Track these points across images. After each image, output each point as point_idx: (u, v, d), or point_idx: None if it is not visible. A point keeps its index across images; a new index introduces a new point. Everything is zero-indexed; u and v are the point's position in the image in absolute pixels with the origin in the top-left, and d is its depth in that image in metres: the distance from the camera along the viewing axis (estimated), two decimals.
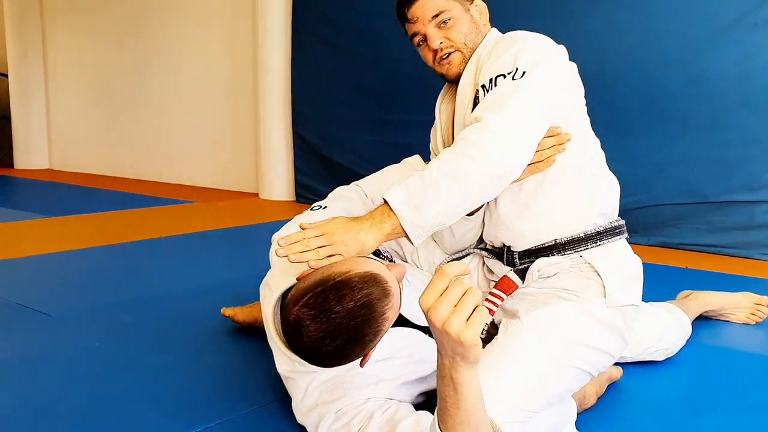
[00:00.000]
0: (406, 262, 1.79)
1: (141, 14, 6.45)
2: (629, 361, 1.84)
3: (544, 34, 1.59)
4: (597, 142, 1.61)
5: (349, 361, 1.19)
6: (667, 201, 3.36)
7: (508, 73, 1.43)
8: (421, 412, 1.32)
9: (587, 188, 1.55)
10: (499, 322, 1.51)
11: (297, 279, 1.25)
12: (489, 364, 1.36)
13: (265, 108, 5.21)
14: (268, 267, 1.54)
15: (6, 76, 7.60)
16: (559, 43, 1.57)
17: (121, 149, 6.90)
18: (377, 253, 1.63)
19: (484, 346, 1.48)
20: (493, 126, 1.34)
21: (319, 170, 5.00)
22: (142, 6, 6.42)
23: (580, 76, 1.58)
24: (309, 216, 1.63)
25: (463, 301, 0.95)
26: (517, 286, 1.53)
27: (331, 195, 1.79)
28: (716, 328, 2.20)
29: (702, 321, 2.19)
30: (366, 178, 1.90)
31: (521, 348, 1.38)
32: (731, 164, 3.21)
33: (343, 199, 1.74)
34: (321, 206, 1.67)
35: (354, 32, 4.62)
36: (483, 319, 0.95)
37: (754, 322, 2.24)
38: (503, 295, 1.52)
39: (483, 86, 1.46)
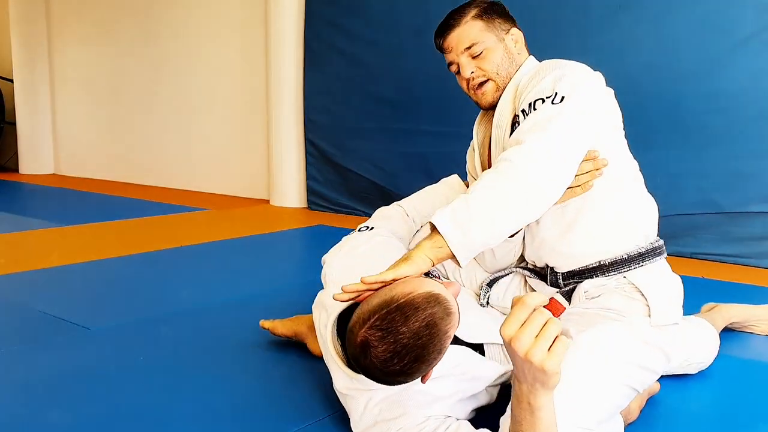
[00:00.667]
0: (448, 279, 1.84)
1: (151, 20, 6.48)
2: (664, 374, 1.89)
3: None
4: (636, 164, 1.66)
5: (414, 379, 1.24)
6: (684, 211, 3.42)
7: (547, 98, 1.47)
8: (482, 430, 1.36)
9: (629, 210, 1.59)
10: None
11: (357, 300, 1.30)
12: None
13: (277, 115, 5.25)
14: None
15: (11, 81, 7.62)
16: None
17: (129, 155, 6.92)
18: (426, 273, 1.67)
19: None
20: (534, 148, 1.39)
21: (332, 178, 5.04)
22: (153, 12, 6.45)
23: None
24: (357, 237, 1.67)
25: (545, 331, 1.00)
26: (564, 308, 1.58)
27: (374, 215, 1.84)
28: (742, 341, 2.25)
29: (727, 333, 2.24)
30: (406, 198, 1.95)
31: (576, 368, 1.43)
32: (747, 176, 3.27)
33: (387, 219, 1.79)
34: (368, 227, 1.72)
35: (368, 42, 4.67)
36: (564, 349, 1.00)
37: None
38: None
39: (523, 110, 1.51)
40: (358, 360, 1.21)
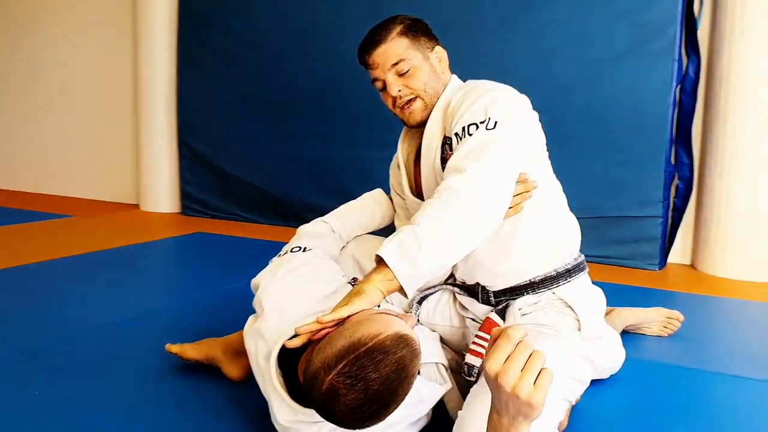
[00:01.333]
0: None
1: (6, 14, 5.90)
2: None
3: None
4: (559, 185, 1.70)
5: (378, 423, 1.19)
6: None
7: (481, 123, 1.47)
8: None
9: (557, 229, 1.64)
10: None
11: (312, 340, 1.23)
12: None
13: (147, 115, 4.96)
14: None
15: None
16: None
17: None
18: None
19: (474, 384, 1.53)
20: (476, 176, 1.38)
21: (209, 181, 4.83)
22: (7, 5, 5.87)
23: None
24: (291, 260, 1.58)
25: (531, 365, 0.98)
26: (500, 327, 1.58)
27: (303, 233, 1.76)
28: (637, 342, 2.38)
29: (622, 335, 2.35)
30: (330, 214, 1.88)
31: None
32: (624, 183, 3.48)
33: (319, 239, 1.72)
34: (301, 248, 1.63)
35: (249, 42, 4.52)
36: (549, 381, 0.99)
37: (667, 334, 2.44)
38: (488, 337, 1.56)
39: (456, 134, 1.50)
40: (323, 406, 1.16)
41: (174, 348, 1.97)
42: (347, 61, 4.28)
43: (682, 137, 3.50)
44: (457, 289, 1.73)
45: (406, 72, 1.60)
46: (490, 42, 3.69)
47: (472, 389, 1.50)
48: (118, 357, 2.10)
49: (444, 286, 1.74)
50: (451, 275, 1.75)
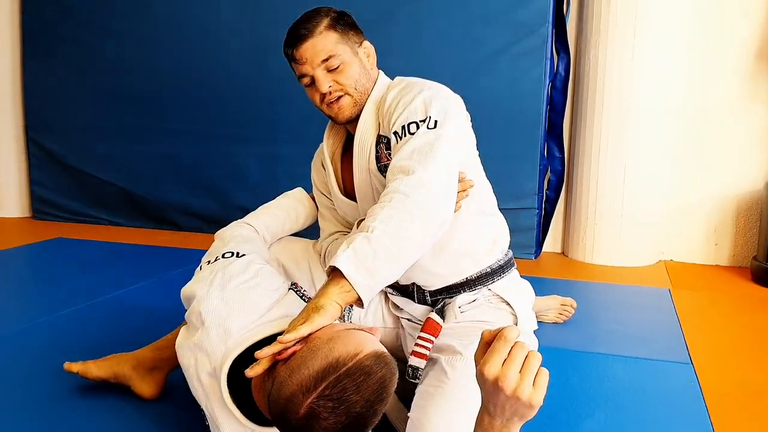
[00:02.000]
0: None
1: None
2: None
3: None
4: (489, 184, 1.73)
5: None
6: None
7: (422, 121, 1.45)
8: None
9: (490, 227, 1.66)
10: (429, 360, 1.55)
11: (277, 358, 1.16)
12: (454, 399, 1.40)
13: None
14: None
15: None
16: None
17: None
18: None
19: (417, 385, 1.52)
20: (425, 178, 1.35)
21: (64, 183, 4.46)
22: None
23: None
24: (228, 267, 1.48)
25: (528, 366, 0.98)
26: (441, 326, 1.58)
27: (228, 237, 1.64)
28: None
29: None
30: (250, 215, 1.79)
31: (476, 382, 1.44)
32: (501, 176, 3.58)
33: (248, 242, 1.63)
34: (233, 253, 1.53)
35: (107, 32, 4.20)
36: (547, 380, 0.99)
37: (563, 321, 2.56)
38: (432, 338, 1.55)
39: (396, 133, 1.47)
40: (296, 430, 1.09)
41: (75, 366, 1.79)
42: (216, 53, 4.14)
43: (554, 132, 3.69)
44: (389, 290, 1.71)
45: (336, 68, 1.55)
46: (367, 38, 3.68)
47: (418, 389, 1.48)
48: (4, 383, 1.88)
49: None
50: None
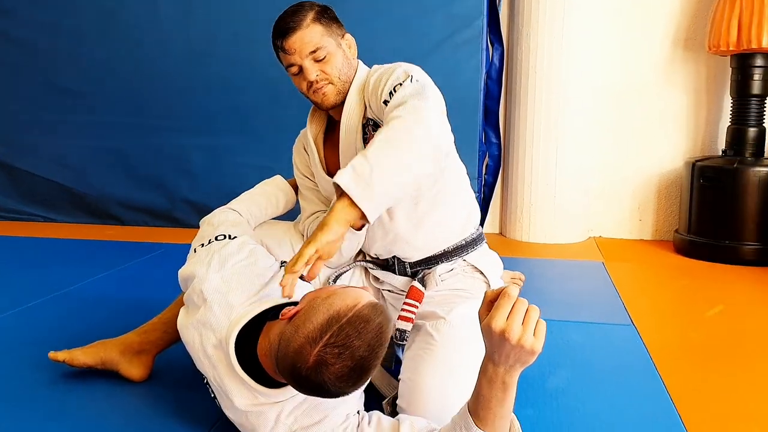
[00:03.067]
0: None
1: None
2: None
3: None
4: (461, 163, 1.86)
5: (364, 384, 1.26)
6: None
7: (404, 81, 1.54)
8: (400, 416, 1.42)
9: (464, 203, 1.80)
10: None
11: (282, 317, 1.27)
12: (443, 359, 1.54)
13: None
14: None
15: None
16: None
17: None
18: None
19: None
20: (418, 104, 1.43)
21: None
22: None
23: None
24: (223, 248, 1.56)
25: (529, 318, 1.12)
26: (424, 293, 1.71)
27: (217, 223, 1.70)
28: None
29: None
30: (233, 202, 1.86)
31: (461, 342, 1.58)
32: None
33: (237, 225, 1.71)
34: (226, 236, 1.61)
35: (40, 26, 4.11)
36: (545, 330, 1.13)
37: None
38: (416, 303, 1.68)
39: (385, 101, 1.54)
40: (308, 379, 1.19)
41: (60, 355, 1.83)
42: (156, 44, 4.11)
43: (491, 120, 3.88)
44: (369, 265, 1.83)
45: (323, 58, 1.65)
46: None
47: (407, 354, 1.61)
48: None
49: (355, 263, 1.83)
50: (361, 253, 1.84)
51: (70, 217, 4.30)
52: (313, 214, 1.86)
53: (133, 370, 1.84)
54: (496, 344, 1.13)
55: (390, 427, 1.38)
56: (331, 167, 1.79)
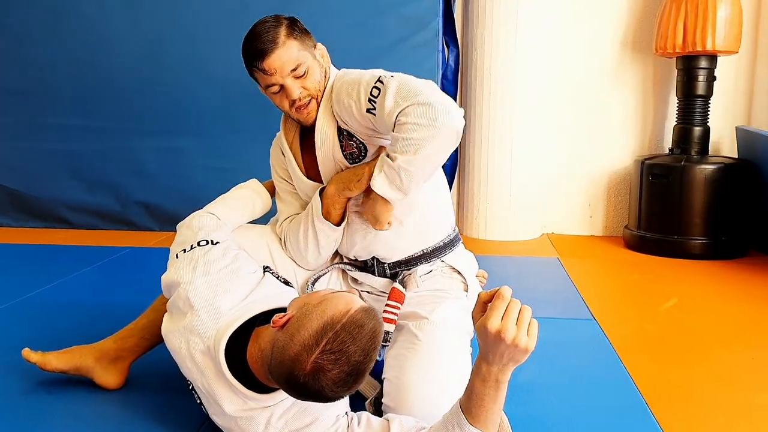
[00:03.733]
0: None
1: None
2: None
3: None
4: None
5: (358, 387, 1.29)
6: None
7: (377, 81, 1.56)
8: (388, 415, 1.45)
9: (442, 204, 1.84)
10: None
11: (273, 324, 1.28)
12: (427, 357, 1.57)
13: None
14: None
15: None
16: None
17: None
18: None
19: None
20: (424, 101, 1.48)
21: None
22: None
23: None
24: (208, 253, 1.55)
25: (522, 318, 1.17)
26: (405, 295, 1.74)
27: (197, 228, 1.69)
28: None
29: None
30: (210, 206, 1.85)
31: (444, 341, 1.62)
32: None
33: (217, 229, 1.70)
34: (208, 241, 1.61)
35: None
36: (537, 329, 1.18)
37: None
38: (398, 305, 1.71)
39: (369, 110, 1.57)
40: (305, 386, 1.21)
41: (34, 356, 1.78)
42: (103, 44, 4.02)
43: None
44: (347, 267, 1.84)
45: (303, 74, 1.64)
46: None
47: (391, 353, 1.64)
48: None
49: (332, 266, 1.84)
50: (338, 255, 1.86)
51: (19, 221, 4.17)
52: (290, 217, 1.87)
53: (109, 377, 1.81)
54: (491, 344, 1.17)
55: (380, 426, 1.40)
56: (310, 170, 1.79)
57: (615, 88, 3.99)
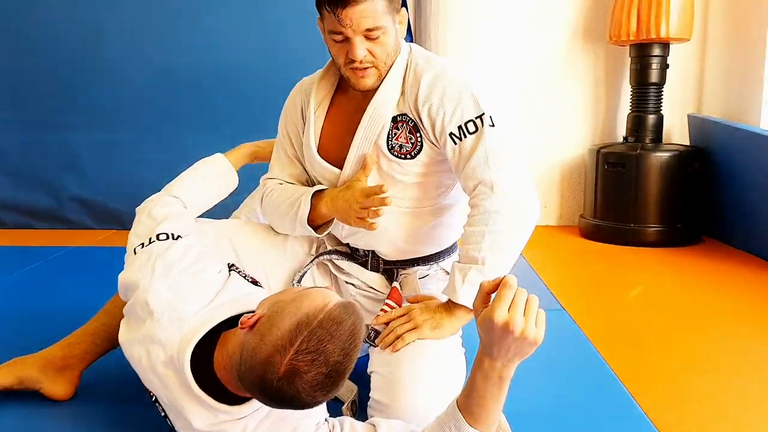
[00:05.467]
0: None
1: None
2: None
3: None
4: None
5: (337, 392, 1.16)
6: None
7: (477, 118, 1.47)
8: (373, 419, 1.34)
9: (455, 215, 1.70)
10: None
11: (241, 326, 1.16)
12: (423, 351, 1.46)
13: None
14: None
15: None
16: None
17: None
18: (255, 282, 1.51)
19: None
20: (509, 190, 1.45)
21: None
22: None
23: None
24: (167, 252, 1.40)
25: (530, 308, 1.07)
26: (403, 297, 1.63)
27: (159, 217, 1.52)
28: None
29: None
30: (171, 187, 1.67)
31: (443, 342, 1.51)
32: None
33: (179, 218, 1.54)
34: (169, 235, 1.45)
35: None
36: (545, 319, 1.09)
37: None
38: (396, 306, 1.58)
39: (452, 134, 1.48)
40: (279, 390, 1.08)
41: None
42: (37, 34, 3.78)
43: None
44: (335, 256, 1.71)
45: (376, 38, 1.44)
46: (206, 23, 3.60)
47: (378, 351, 1.51)
48: None
49: (317, 260, 1.70)
50: (323, 244, 1.74)
51: None
52: (280, 180, 1.72)
53: (57, 388, 1.64)
54: (496, 337, 1.07)
55: (365, 430, 1.30)
56: (326, 144, 1.62)
57: (568, 77, 3.97)
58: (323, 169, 1.62)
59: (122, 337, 1.36)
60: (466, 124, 1.47)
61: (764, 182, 3.07)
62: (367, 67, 1.47)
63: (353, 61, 1.45)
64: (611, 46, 3.86)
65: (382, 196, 1.45)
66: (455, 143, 1.48)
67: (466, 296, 1.42)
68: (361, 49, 1.43)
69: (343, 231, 1.67)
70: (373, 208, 1.47)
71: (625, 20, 3.49)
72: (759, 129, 3.20)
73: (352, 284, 1.71)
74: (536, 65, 3.95)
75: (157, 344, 1.27)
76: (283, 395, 1.08)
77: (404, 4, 1.49)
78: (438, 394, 1.37)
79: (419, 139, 1.53)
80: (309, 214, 1.59)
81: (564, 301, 2.52)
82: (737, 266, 3.09)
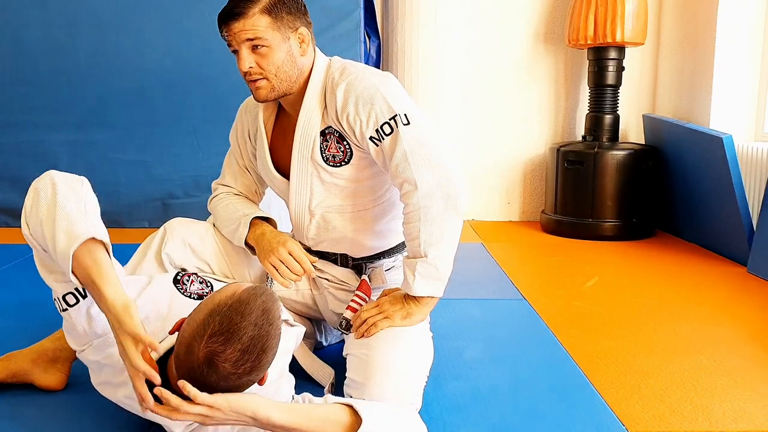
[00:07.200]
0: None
1: None
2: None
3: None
4: None
5: (264, 371, 1.22)
6: None
7: (392, 119, 1.55)
8: (350, 400, 1.46)
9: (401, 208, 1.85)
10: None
11: (170, 332, 1.25)
12: (397, 333, 1.60)
13: None
14: None
15: None
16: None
17: None
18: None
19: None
20: (432, 182, 1.54)
21: None
22: None
23: None
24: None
25: None
26: (371, 289, 1.77)
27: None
28: None
29: None
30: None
31: (413, 328, 1.64)
32: None
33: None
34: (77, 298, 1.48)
35: None
36: None
37: None
38: (366, 297, 1.72)
39: (372, 138, 1.57)
40: (206, 376, 1.15)
41: None
42: (10, 33, 3.82)
43: None
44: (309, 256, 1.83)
45: (261, 52, 1.56)
46: (183, 23, 3.67)
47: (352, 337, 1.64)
48: None
49: None
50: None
51: None
52: (228, 187, 1.87)
53: (49, 378, 1.73)
54: None
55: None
56: (277, 157, 1.75)
57: (529, 78, 4.14)
58: (278, 181, 1.76)
59: (94, 382, 1.50)
60: (381, 127, 1.56)
61: (712, 179, 3.26)
62: (258, 79, 1.59)
63: (246, 73, 1.59)
64: (570, 49, 4.04)
65: (297, 267, 1.62)
66: (377, 145, 1.58)
67: (421, 288, 1.57)
68: (246, 60, 1.56)
69: (309, 241, 1.80)
70: (282, 269, 1.62)
71: (582, 25, 3.66)
72: (708, 129, 3.40)
73: (327, 279, 1.84)
74: (499, 67, 4.12)
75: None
76: (210, 380, 1.15)
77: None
78: (408, 373, 1.51)
79: (348, 147, 1.64)
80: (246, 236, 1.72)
81: (525, 291, 2.68)
82: (687, 257, 3.29)
